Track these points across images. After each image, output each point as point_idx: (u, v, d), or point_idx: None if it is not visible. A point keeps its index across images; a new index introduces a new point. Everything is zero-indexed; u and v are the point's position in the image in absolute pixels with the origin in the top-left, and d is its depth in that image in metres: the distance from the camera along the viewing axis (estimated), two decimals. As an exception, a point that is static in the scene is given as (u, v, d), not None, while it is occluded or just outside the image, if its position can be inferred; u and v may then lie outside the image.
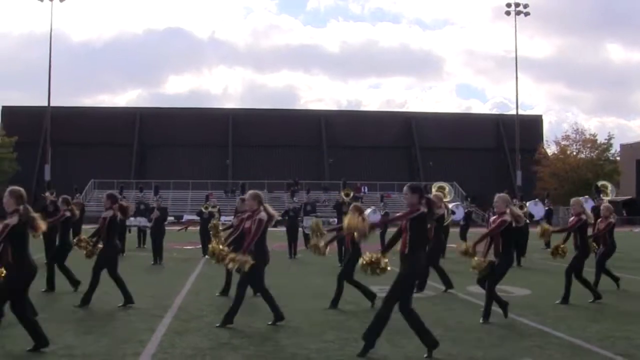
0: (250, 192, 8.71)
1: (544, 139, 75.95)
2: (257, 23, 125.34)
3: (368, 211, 27.16)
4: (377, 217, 22.63)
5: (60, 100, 74.04)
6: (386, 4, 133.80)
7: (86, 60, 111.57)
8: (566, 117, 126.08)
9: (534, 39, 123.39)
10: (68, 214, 11.46)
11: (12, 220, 6.57)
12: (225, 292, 11.04)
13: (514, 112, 65.44)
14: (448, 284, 11.75)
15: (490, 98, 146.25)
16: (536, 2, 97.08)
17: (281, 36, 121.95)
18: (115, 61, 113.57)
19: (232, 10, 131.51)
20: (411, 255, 6.74)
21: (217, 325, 8.17)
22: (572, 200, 11.05)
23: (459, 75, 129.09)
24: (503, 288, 10.35)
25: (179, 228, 17.83)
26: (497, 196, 8.95)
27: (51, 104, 58.04)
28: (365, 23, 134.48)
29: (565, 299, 10.30)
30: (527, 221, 15.74)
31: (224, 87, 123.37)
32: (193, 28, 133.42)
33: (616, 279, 12.24)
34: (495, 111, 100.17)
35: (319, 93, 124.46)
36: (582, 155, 66.37)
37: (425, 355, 6.69)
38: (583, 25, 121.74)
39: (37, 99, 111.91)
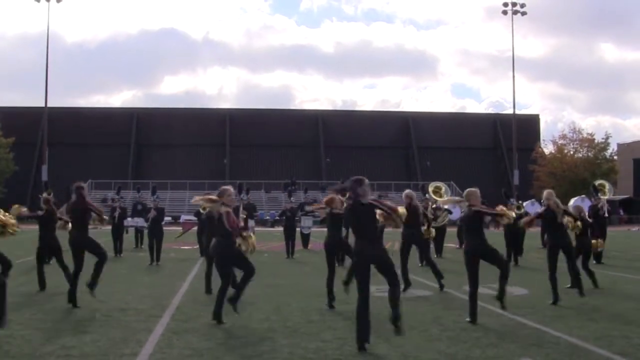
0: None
1: (541, 138, 76.11)
2: (251, 23, 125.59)
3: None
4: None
5: (55, 100, 73.88)
6: (379, 5, 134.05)
7: (81, 61, 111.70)
8: (562, 116, 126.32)
9: (527, 38, 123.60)
10: (40, 213, 11.51)
11: None
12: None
13: (509, 111, 65.61)
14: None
15: (485, 98, 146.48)
16: (530, 1, 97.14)
17: (275, 36, 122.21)
18: (110, 62, 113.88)
19: (226, 11, 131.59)
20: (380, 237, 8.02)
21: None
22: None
23: (454, 75, 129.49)
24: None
25: (179, 235, 17.92)
26: (468, 191, 9.01)
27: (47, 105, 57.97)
28: (359, 23, 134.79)
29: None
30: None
31: (219, 88, 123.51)
32: (187, 29, 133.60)
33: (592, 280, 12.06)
34: (490, 110, 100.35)
35: (314, 93, 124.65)
36: (580, 155, 66.48)
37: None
38: (576, 25, 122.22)
39: (32, 100, 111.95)
